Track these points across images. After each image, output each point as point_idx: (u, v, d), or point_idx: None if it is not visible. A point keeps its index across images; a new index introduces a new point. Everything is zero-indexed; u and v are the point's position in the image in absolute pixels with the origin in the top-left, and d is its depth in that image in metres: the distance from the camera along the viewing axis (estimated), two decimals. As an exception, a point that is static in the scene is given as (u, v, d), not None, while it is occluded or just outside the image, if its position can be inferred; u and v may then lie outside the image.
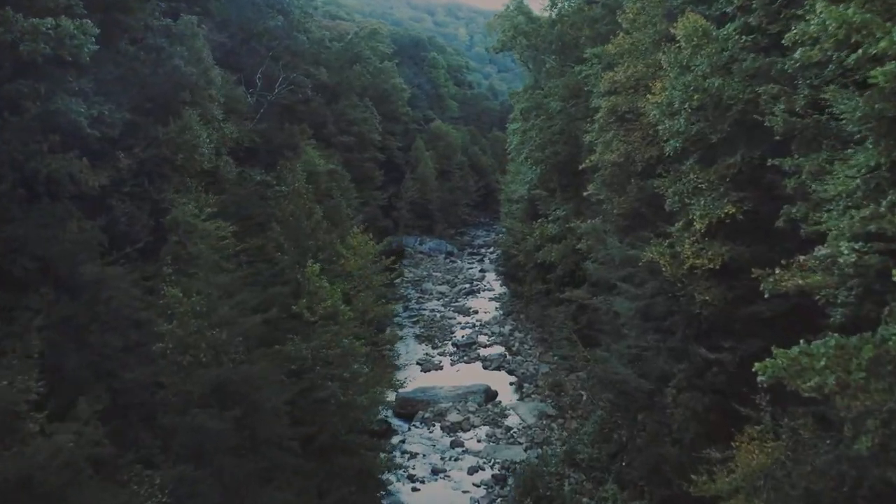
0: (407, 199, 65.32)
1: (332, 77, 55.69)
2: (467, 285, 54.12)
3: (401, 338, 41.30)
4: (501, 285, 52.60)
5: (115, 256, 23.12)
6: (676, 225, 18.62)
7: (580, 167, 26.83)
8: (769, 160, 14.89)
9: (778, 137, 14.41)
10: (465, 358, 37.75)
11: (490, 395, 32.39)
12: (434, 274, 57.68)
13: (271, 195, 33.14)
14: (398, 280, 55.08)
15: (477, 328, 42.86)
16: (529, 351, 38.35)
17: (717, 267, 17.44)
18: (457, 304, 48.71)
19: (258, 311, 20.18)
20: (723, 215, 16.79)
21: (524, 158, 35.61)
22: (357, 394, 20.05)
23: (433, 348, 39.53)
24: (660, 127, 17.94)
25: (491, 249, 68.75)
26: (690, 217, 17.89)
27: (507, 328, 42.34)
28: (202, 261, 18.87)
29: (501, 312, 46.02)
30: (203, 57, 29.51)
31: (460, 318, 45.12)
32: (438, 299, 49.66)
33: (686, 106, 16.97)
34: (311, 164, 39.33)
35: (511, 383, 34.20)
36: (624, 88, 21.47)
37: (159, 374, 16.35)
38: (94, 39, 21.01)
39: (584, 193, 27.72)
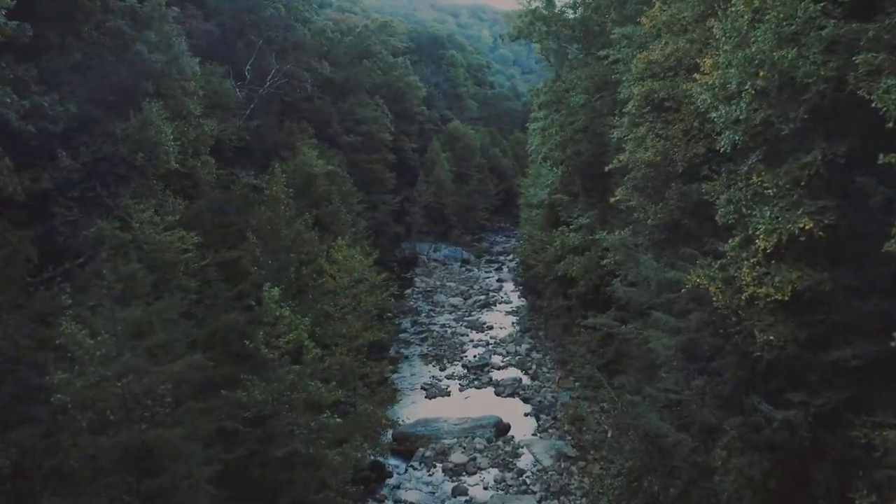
0: (421, 203, 61.50)
1: (340, 73, 52.27)
2: (483, 297, 50.10)
3: (405, 357, 37.52)
4: (519, 297, 48.51)
5: (51, 273, 19.71)
6: (731, 242, 14.49)
7: (606, 168, 22.75)
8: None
9: (891, 125, 10.28)
10: (475, 382, 33.74)
11: (501, 428, 28.36)
12: (448, 284, 53.75)
13: (258, 200, 29.69)
14: (408, 291, 51.42)
15: (491, 347, 38.84)
16: (548, 375, 34.22)
17: (786, 298, 13.34)
18: (470, 318, 44.73)
19: (208, 346, 16.53)
20: (796, 231, 12.67)
21: (542, 158, 31.47)
22: (328, 446, 16.23)
23: (441, 370, 35.59)
24: (713, 114, 13.82)
25: (510, 257, 64.62)
26: (750, 232, 13.77)
27: (523, 347, 38.24)
28: (135, 284, 15.14)
29: (518, 329, 41.93)
30: (174, 43, 26.07)
31: (473, 335, 41.13)
32: (451, 312, 45.72)
33: (748, 87, 12.87)
34: (308, 164, 35.75)
35: (526, 414, 30.13)
36: (662, 70, 17.36)
37: (57, 433, 12.71)
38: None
39: (611, 199, 23.61)
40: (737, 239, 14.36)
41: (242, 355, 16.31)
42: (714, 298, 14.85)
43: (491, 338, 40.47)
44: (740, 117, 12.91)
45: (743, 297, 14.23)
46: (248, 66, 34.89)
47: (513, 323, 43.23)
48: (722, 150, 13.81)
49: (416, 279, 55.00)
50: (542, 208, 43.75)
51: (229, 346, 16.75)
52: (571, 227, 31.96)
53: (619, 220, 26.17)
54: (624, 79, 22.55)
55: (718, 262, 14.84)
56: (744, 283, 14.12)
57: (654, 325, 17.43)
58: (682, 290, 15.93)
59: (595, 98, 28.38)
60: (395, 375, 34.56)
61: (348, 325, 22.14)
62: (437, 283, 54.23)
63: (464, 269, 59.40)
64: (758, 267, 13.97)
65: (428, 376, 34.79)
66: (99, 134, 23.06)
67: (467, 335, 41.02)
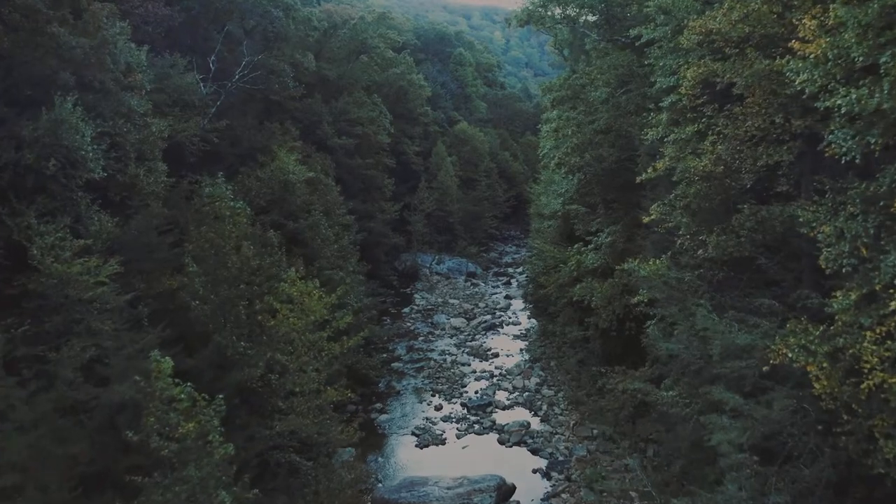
0: (423, 210, 56.65)
1: (333, 69, 47.57)
2: (489, 317, 45.09)
3: (397, 392, 32.65)
4: (529, 317, 43.48)
5: None
6: (843, 299, 9.54)
7: (638, 180, 17.80)
8: None
9: None
10: (476, 426, 28.78)
11: (504, 491, 23.40)
12: (450, 301, 48.79)
13: (213, 214, 25.11)
14: (406, 309, 46.57)
15: (495, 380, 33.85)
16: (561, 418, 29.20)
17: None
18: (474, 342, 39.76)
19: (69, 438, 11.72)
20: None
21: (556, 164, 26.41)
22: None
23: (437, 409, 30.66)
24: (826, 102, 8.88)
25: (520, 269, 59.65)
26: (878, 287, 8.86)
27: (532, 381, 33.22)
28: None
29: (527, 357, 36.92)
30: (103, 25, 21.43)
31: (476, 365, 36.17)
32: (452, 336, 40.76)
33: (889, 57, 7.93)
34: (283, 171, 31.03)
35: (535, 470, 25.14)
36: (725, 43, 12.38)
37: None
38: None
39: (645, 220, 18.62)
40: (853, 295, 9.40)
41: (131, 449, 11.52)
42: (813, 382, 9.89)
43: (496, 368, 35.48)
44: (882, 105, 7.97)
45: (863, 387, 9.27)
46: (212, 58, 30.15)
47: (521, 349, 38.21)
48: (844, 157, 8.82)
49: (416, 295, 50.12)
50: (554, 220, 38.75)
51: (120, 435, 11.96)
52: (590, 244, 26.93)
53: (653, 244, 21.20)
54: (660, 65, 17.59)
55: (821, 327, 9.89)
56: (864, 364, 9.17)
57: (712, 404, 12.40)
58: (758, 362, 10.96)
59: (619, 92, 23.41)
60: (382, 417, 29.68)
61: (308, 381, 17.27)
62: (439, 299, 49.29)
63: (469, 283, 54.41)
64: (889, 342, 9.01)
65: (421, 417, 29.86)
66: (2, 137, 18.48)
67: (469, 365, 36.05)
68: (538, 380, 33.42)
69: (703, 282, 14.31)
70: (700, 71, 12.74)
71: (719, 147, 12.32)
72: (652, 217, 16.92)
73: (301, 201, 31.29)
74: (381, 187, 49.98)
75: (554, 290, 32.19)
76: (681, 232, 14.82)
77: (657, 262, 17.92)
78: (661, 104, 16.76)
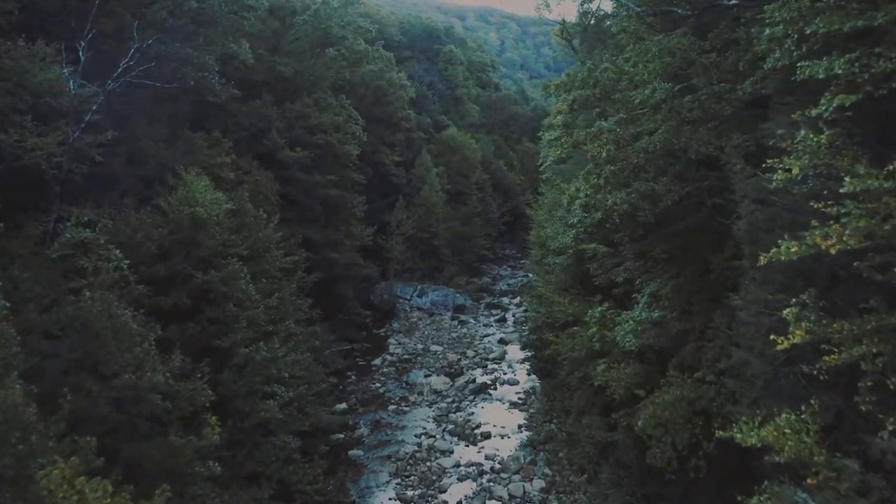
0: (402, 234, 47.87)
1: (290, 64, 38.79)
2: (478, 370, 36.36)
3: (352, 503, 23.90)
4: (529, 373, 34.78)
5: None
6: None
7: (761, 261, 9.07)
8: None
9: None
10: (456, 571, 20.06)
11: None
12: (432, 348, 39.93)
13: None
14: (377, 361, 37.77)
15: (485, 480, 25.06)
16: (579, 555, 20.48)
17: None
18: (458, 413, 30.96)
19: None
20: None
21: (581, 206, 17.21)
22: None
23: (402, 534, 21.92)
24: None
25: (517, 300, 50.95)
26: None
27: (535, 485, 24.46)
28: None
29: (526, 438, 28.20)
30: None
31: (460, 451, 27.38)
32: (431, 404, 31.91)
33: None
34: (191, 202, 22.22)
35: None
36: None
37: None
38: None
39: (737, 309, 9.89)
40: None
41: None
42: None
43: (486, 458, 26.67)
44: None
45: None
46: (81, 43, 21.19)
47: (520, 427, 29.41)
48: None
49: (391, 339, 41.26)
50: (563, 256, 29.94)
51: None
52: (631, 317, 18.03)
53: (744, 338, 12.59)
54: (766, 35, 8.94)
55: None
56: None
57: None
58: None
59: (676, 89, 14.66)
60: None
61: None
62: (419, 345, 40.43)
63: (456, 321, 45.53)
64: None
65: (380, 550, 21.13)
66: None
67: (451, 452, 27.23)
68: (543, 482, 24.63)
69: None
70: None
71: None
72: (797, 343, 8.26)
73: (216, 243, 22.46)
74: (350, 207, 41.21)
75: (567, 367, 23.48)
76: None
77: (791, 418, 9.27)
78: (816, 111, 8.19)
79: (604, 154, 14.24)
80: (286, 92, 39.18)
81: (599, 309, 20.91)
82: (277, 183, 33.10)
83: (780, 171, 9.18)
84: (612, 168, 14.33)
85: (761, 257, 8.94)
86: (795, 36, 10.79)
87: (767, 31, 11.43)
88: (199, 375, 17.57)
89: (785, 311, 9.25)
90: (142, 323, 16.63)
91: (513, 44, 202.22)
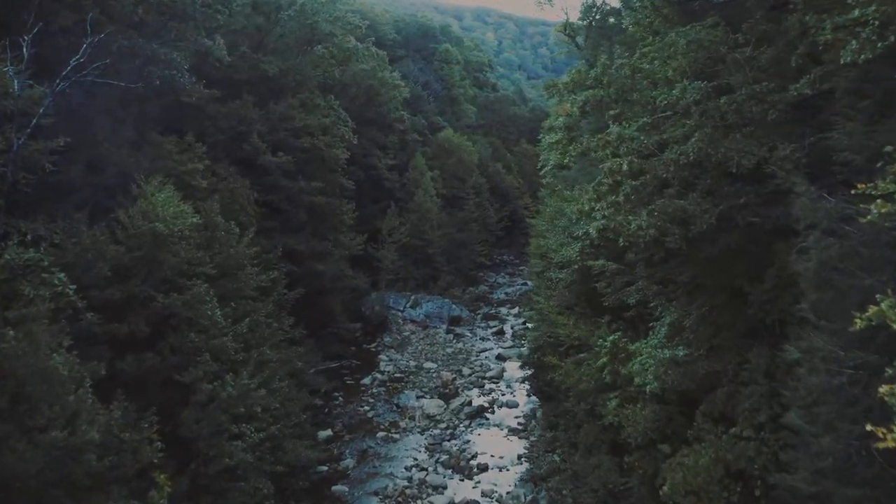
0: (394, 242, 45.44)
1: (276, 62, 36.36)
2: (475, 391, 33.97)
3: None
4: (529, 394, 32.42)
5: None
6: None
7: (857, 325, 6.69)
8: None
9: None
10: None
11: None
12: (426, 365, 37.49)
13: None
14: (367, 380, 35.34)
15: (482, 521, 22.67)
16: None
17: None
18: (453, 441, 28.53)
19: None
20: None
21: (597, 233, 14.62)
22: None
23: (389, 590, 19.47)
24: None
25: (516, 311, 48.61)
26: None
27: (539, 529, 22.07)
28: None
29: (528, 472, 25.77)
30: None
31: (455, 486, 24.94)
32: (424, 431, 29.46)
33: None
34: (152, 215, 19.76)
35: None
36: None
37: None
38: None
39: (794, 364, 7.52)
40: None
41: None
42: None
43: (483, 495, 24.18)
44: None
45: None
46: (25, 38, 18.73)
47: (520, 458, 26.99)
48: None
49: (381, 355, 38.80)
50: (567, 270, 27.49)
51: None
52: (650, 353, 15.63)
53: (797, 396, 10.21)
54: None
55: None
56: None
57: None
58: None
59: (709, 87, 12.27)
60: None
61: None
62: (411, 362, 38.00)
63: (451, 335, 43.09)
64: None
65: None
66: None
67: (445, 488, 24.78)
68: (546, 524, 22.25)
69: None
70: None
71: None
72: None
73: (181, 261, 20.00)
74: (339, 215, 38.78)
75: (573, 401, 21.10)
76: None
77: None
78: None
79: (625, 166, 11.81)
80: (270, 92, 36.73)
81: (612, 338, 18.49)
82: (258, 190, 30.69)
83: (878, 203, 6.81)
84: (635, 183, 11.91)
85: (857, 321, 6.55)
86: (877, 23, 8.50)
87: (837, 18, 9.16)
88: (145, 425, 15.07)
89: (882, 389, 6.88)
90: (78, 364, 14.13)
91: (510, 44, 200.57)
